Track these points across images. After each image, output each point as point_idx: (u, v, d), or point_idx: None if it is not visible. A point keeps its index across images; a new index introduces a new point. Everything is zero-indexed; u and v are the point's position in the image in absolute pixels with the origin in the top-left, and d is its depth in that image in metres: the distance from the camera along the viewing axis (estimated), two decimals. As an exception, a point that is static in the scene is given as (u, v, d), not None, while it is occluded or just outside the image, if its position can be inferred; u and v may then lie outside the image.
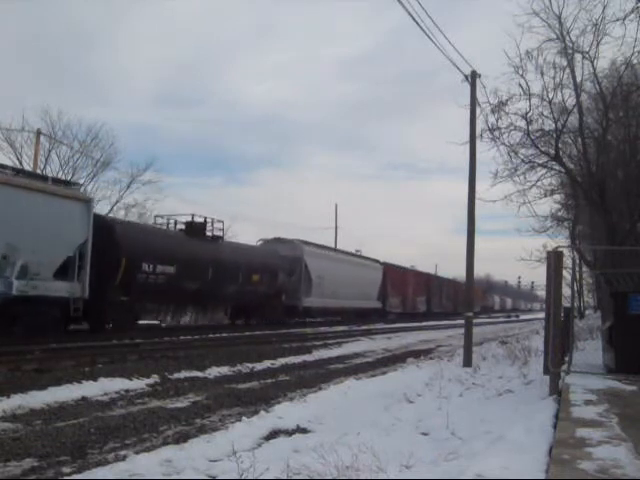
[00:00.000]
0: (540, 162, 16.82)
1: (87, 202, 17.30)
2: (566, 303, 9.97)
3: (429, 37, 12.46)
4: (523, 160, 16.52)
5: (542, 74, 15.41)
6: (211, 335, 19.89)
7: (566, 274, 10.78)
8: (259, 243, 32.11)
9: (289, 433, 6.81)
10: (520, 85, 15.42)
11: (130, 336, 16.90)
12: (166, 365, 12.27)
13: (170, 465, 5.36)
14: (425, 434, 6.40)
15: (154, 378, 10.74)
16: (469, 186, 14.38)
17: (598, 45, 14.85)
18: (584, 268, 30.37)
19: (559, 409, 6.09)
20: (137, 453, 5.93)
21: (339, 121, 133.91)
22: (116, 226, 19.61)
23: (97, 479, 5.07)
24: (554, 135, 16.16)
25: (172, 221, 23.92)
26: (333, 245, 46.54)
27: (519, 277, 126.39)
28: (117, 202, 37.11)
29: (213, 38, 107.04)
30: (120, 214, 35.47)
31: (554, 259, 7.97)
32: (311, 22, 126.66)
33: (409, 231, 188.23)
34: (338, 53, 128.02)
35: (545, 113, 15.97)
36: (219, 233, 24.85)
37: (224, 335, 20.34)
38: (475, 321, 16.50)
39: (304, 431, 6.89)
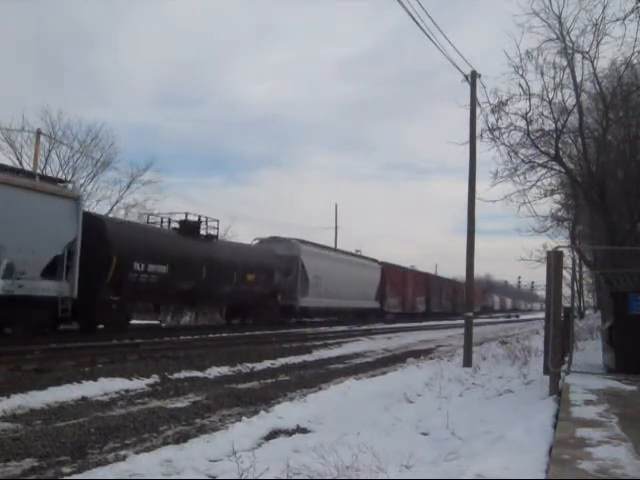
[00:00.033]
0: (540, 162, 16.84)
1: (76, 200, 16.92)
2: (566, 303, 9.97)
3: (429, 37, 12.49)
4: (523, 160, 16.54)
5: (542, 74, 15.44)
6: (211, 335, 19.88)
7: (566, 274, 10.78)
8: (255, 242, 31.85)
9: (289, 433, 6.81)
10: (520, 85, 15.45)
11: (130, 336, 16.90)
12: (166, 365, 12.27)
13: (170, 465, 5.36)
14: (425, 434, 6.40)
15: (154, 378, 10.74)
16: (469, 186, 14.38)
17: (598, 45, 14.88)
18: (584, 268, 30.39)
19: (559, 409, 6.09)
20: (137, 453, 5.93)
21: (339, 121, 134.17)
22: (107, 224, 19.29)
23: (97, 479, 5.07)
24: (554, 135, 16.17)
25: (166, 220, 23.67)
26: (333, 245, 46.51)
27: (519, 277, 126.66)
28: (117, 202, 37.18)
29: (213, 38, 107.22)
30: (120, 214, 35.53)
31: (554, 259, 7.97)
32: (311, 22, 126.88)
33: (409, 231, 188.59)
34: (338, 53, 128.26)
35: (545, 113, 16.00)
36: (214, 232, 24.62)
37: (224, 335, 20.34)
38: (475, 321, 16.49)
39: (304, 431, 6.89)
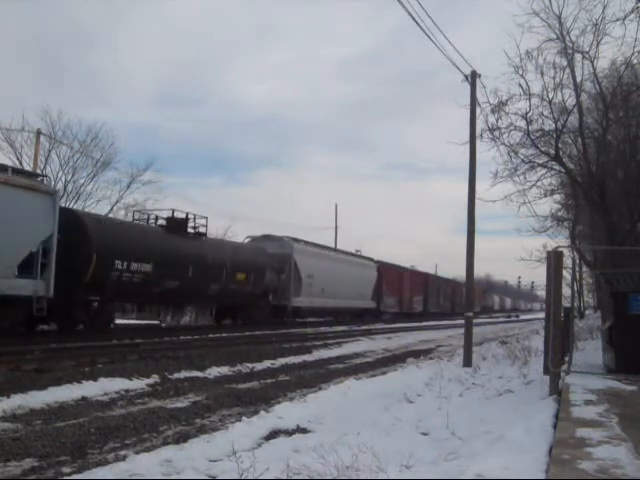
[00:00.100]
0: (540, 162, 16.85)
1: (52, 195, 16.05)
2: (566, 303, 9.97)
3: (429, 37, 12.50)
4: (523, 160, 16.55)
5: (542, 74, 15.45)
6: (211, 335, 19.87)
7: (566, 274, 10.79)
8: (247, 240, 30.96)
9: (289, 433, 6.81)
10: (520, 85, 15.47)
11: (130, 336, 16.88)
12: (166, 365, 12.27)
13: (170, 465, 5.36)
14: (425, 434, 6.40)
15: (154, 378, 10.74)
16: (469, 186, 14.38)
17: (598, 45, 14.89)
18: (584, 268, 30.40)
19: (559, 409, 6.09)
20: (137, 453, 5.93)
21: (339, 121, 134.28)
22: (87, 220, 18.31)
23: (97, 479, 5.07)
24: (554, 135, 16.17)
25: (153, 217, 22.90)
26: (333, 245, 46.38)
27: (519, 277, 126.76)
28: (117, 202, 37.19)
29: (213, 38, 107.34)
30: (120, 214, 35.51)
31: (554, 259, 7.97)
32: (311, 22, 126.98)
33: (409, 231, 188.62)
34: (338, 53, 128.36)
35: (545, 113, 16.02)
36: (203, 229, 23.76)
37: (224, 335, 20.32)
38: (475, 321, 16.50)
39: (304, 431, 6.89)
